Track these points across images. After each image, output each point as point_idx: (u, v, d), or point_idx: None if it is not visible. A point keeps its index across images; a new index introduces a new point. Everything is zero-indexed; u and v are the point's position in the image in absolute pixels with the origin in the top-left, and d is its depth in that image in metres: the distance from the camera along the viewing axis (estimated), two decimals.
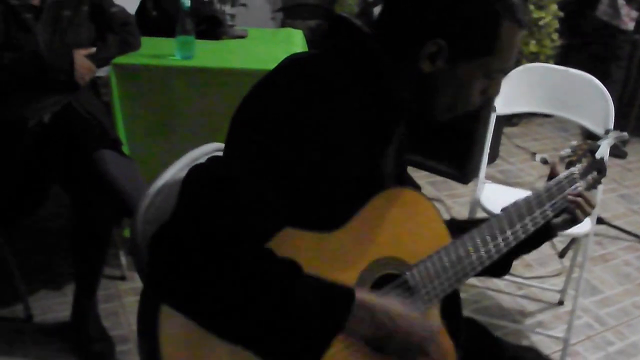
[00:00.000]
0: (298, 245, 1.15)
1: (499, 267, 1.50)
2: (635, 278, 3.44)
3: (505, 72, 1.28)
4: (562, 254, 3.52)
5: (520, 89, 2.87)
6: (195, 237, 1.01)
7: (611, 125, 2.75)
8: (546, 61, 4.44)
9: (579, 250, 2.94)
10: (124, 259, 2.98)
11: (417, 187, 1.50)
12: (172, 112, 2.88)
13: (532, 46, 4.51)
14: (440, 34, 1.18)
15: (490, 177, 3.09)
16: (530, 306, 3.11)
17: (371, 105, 1.24)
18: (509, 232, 1.42)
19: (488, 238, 1.39)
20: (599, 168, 1.67)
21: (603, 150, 1.70)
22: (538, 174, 4.48)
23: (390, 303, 1.16)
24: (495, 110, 2.84)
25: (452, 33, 1.18)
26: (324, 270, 1.12)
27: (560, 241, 3.51)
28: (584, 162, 1.64)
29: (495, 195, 2.84)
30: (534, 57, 4.48)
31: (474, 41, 1.20)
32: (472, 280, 3.09)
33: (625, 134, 1.80)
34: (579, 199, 1.54)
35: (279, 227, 1.11)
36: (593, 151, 1.67)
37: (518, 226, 1.43)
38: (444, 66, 1.20)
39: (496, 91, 1.29)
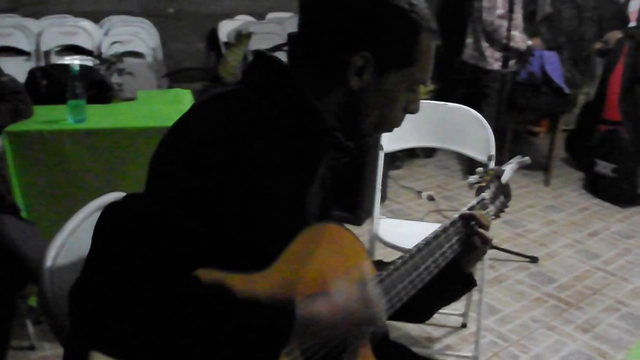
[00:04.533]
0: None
1: (421, 314, 1.51)
2: (529, 294, 3.53)
3: (424, 82, 1.27)
4: None
5: (404, 127, 2.91)
6: (116, 273, 0.94)
7: (492, 152, 2.84)
8: None
9: (475, 274, 2.99)
10: (31, 329, 2.79)
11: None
12: (68, 175, 2.77)
13: None
14: (365, 46, 1.17)
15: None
16: (436, 332, 3.12)
17: (297, 137, 1.20)
18: (429, 261, 1.38)
19: (411, 266, 1.34)
20: (505, 192, 1.68)
21: (508, 175, 1.72)
22: (425, 210, 4.57)
23: (328, 301, 1.10)
24: (382, 149, 2.88)
25: (376, 45, 1.17)
26: None
27: None
28: (492, 188, 1.64)
29: (392, 229, 2.87)
30: None
31: (397, 52, 1.20)
32: None
33: (527, 158, 1.82)
34: (475, 228, 1.48)
35: (203, 259, 1.04)
36: (499, 176, 1.68)
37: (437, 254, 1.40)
38: (372, 80, 1.19)
39: (417, 107, 1.29)
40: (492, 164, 2.92)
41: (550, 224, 4.50)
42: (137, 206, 1.05)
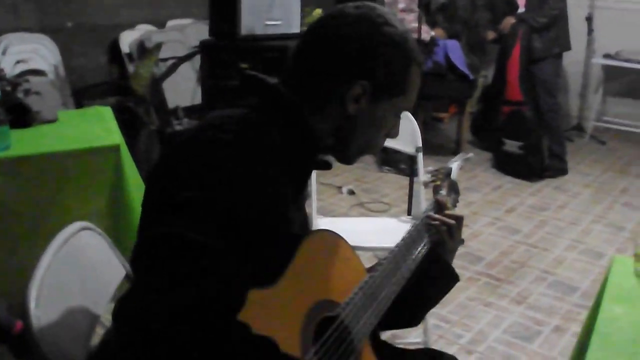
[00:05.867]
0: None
1: (412, 317, 1.59)
2: (461, 275, 3.55)
3: (410, 110, 1.37)
4: None
5: None
6: (169, 316, 0.95)
7: (420, 144, 2.91)
8: None
9: None
10: None
11: None
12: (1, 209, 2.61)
13: None
14: (364, 76, 1.24)
15: None
16: None
17: (296, 156, 1.25)
18: (412, 254, 1.46)
19: (394, 266, 1.41)
20: (455, 189, 1.75)
21: (455, 172, 1.80)
22: (348, 204, 4.61)
23: None
24: None
25: (374, 75, 1.25)
26: (268, 327, 1.07)
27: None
28: (446, 186, 1.71)
29: (330, 226, 2.87)
30: None
31: (391, 82, 1.28)
32: None
33: (471, 154, 1.93)
34: (436, 222, 1.55)
35: (245, 288, 1.06)
36: (448, 174, 1.75)
37: (414, 251, 1.48)
38: (366, 107, 1.27)
39: (397, 132, 1.37)
40: (420, 156, 2.99)
41: (469, 205, 4.64)
42: (174, 239, 1.04)
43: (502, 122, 5.29)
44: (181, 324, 0.96)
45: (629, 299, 1.60)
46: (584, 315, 3.20)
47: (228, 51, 3.87)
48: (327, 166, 1.35)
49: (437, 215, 1.55)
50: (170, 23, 5.61)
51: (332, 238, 1.33)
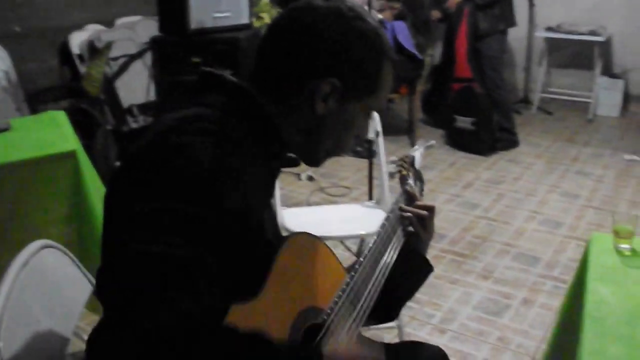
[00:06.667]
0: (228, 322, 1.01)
1: (391, 311, 1.52)
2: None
3: (380, 110, 1.26)
4: (358, 254, 3.62)
5: None
6: (147, 332, 0.85)
7: (379, 128, 2.89)
8: None
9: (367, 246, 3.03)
10: None
11: None
12: None
13: None
14: (333, 73, 1.14)
15: None
16: None
17: (264, 157, 1.16)
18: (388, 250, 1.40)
19: (372, 264, 1.35)
20: (420, 177, 1.69)
21: (419, 160, 1.75)
22: (309, 191, 4.55)
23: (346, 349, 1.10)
24: None
25: (344, 73, 1.15)
26: None
27: (354, 243, 3.61)
28: (411, 175, 1.65)
29: (297, 218, 2.84)
30: None
31: (363, 80, 1.18)
32: None
33: (433, 141, 1.87)
34: (408, 214, 1.50)
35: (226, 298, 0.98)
36: (412, 163, 1.69)
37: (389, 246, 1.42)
38: (335, 107, 1.17)
39: (366, 132, 1.28)
40: (380, 141, 2.97)
41: (427, 183, 4.63)
42: (141, 251, 0.93)
43: (453, 99, 5.30)
44: (168, 345, 0.87)
45: (614, 279, 1.56)
46: (549, 286, 3.24)
47: (179, 46, 3.77)
48: (293, 163, 1.26)
49: (409, 208, 1.49)
50: (119, 21, 5.48)
51: (309, 240, 1.26)
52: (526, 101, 6.63)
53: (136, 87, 4.86)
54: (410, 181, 1.61)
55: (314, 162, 1.26)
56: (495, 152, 5.23)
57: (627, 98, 6.36)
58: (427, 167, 4.90)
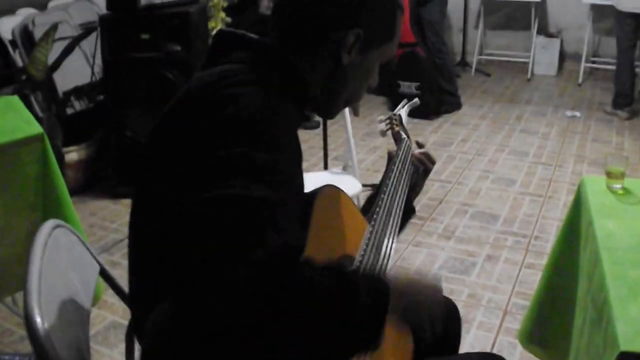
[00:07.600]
0: None
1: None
2: None
3: (391, 57, 1.31)
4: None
5: None
6: (239, 267, 0.84)
7: None
8: None
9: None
10: None
11: None
12: None
13: None
14: (357, 24, 1.18)
15: None
16: None
17: (296, 106, 1.19)
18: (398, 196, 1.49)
19: (388, 210, 1.43)
20: (408, 136, 1.76)
21: (405, 119, 1.83)
22: None
23: (408, 280, 1.12)
24: None
25: (366, 22, 1.19)
26: None
27: None
28: (403, 131, 1.75)
29: None
30: None
31: (382, 29, 1.23)
32: None
33: (416, 100, 1.97)
34: (422, 157, 1.64)
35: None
36: (401, 121, 1.78)
37: (399, 192, 1.50)
38: (357, 56, 1.21)
39: (376, 81, 1.31)
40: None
41: (375, 150, 4.69)
42: (224, 196, 0.92)
43: (396, 64, 5.33)
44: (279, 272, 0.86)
45: (615, 214, 1.68)
46: (510, 241, 3.33)
47: (129, 24, 3.67)
48: (307, 119, 1.32)
49: (424, 151, 1.65)
50: (52, 4, 5.26)
51: (335, 191, 1.33)
52: (464, 64, 6.74)
53: (72, 69, 4.68)
54: (404, 137, 1.69)
55: (332, 113, 1.30)
56: (440, 115, 5.30)
57: (562, 57, 6.53)
58: (374, 133, 4.95)
